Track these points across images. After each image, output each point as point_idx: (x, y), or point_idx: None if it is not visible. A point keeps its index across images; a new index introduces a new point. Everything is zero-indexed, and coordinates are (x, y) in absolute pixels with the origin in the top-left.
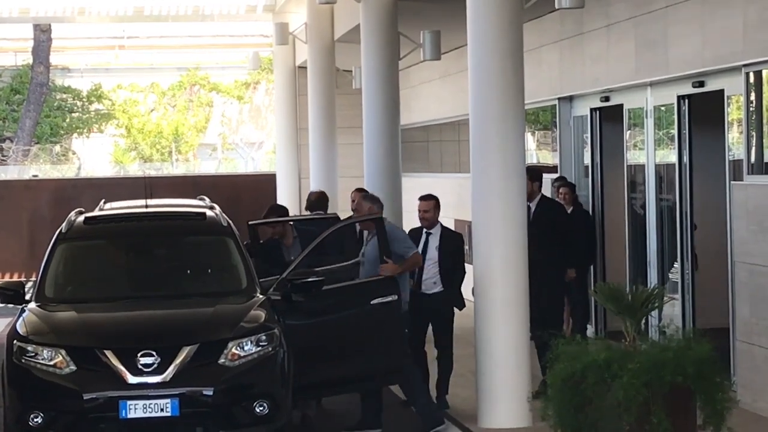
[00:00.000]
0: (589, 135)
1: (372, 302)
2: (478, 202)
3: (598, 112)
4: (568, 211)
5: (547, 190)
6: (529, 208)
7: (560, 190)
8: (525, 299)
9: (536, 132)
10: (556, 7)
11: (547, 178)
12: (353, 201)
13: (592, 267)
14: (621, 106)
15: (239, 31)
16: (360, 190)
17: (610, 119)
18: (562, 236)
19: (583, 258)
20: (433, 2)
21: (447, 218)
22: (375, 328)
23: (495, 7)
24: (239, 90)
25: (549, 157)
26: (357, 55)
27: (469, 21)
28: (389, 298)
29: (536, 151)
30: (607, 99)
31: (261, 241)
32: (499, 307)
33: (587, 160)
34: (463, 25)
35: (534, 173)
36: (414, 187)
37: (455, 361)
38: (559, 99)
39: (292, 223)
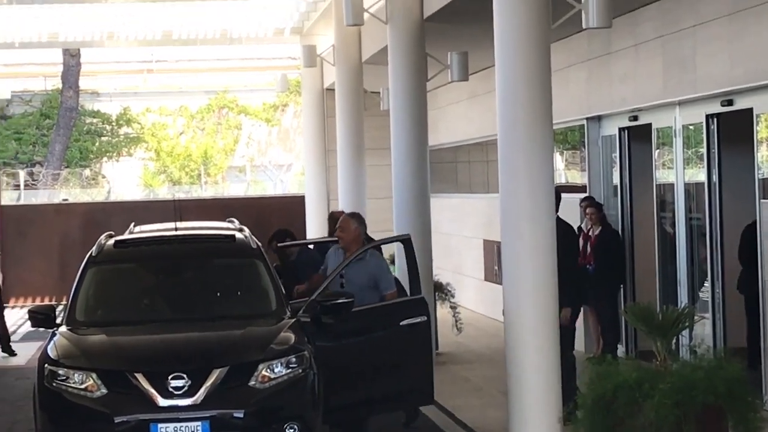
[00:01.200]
0: (617, 154)
1: (401, 323)
2: (507, 222)
3: (626, 131)
4: (596, 232)
5: (575, 210)
6: None
7: (587, 210)
8: (555, 320)
9: (565, 152)
10: (584, 26)
11: (576, 197)
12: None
13: (622, 287)
14: (649, 125)
15: (267, 54)
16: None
17: (638, 138)
18: (570, 259)
19: (600, 283)
20: (460, 23)
21: (476, 238)
22: (404, 349)
23: (522, 27)
24: (267, 112)
25: (578, 177)
26: (385, 77)
27: (497, 42)
28: (418, 319)
29: (565, 170)
30: (635, 118)
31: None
32: (529, 328)
33: (616, 180)
34: (491, 46)
35: None
36: (443, 207)
37: (485, 382)
38: (587, 119)
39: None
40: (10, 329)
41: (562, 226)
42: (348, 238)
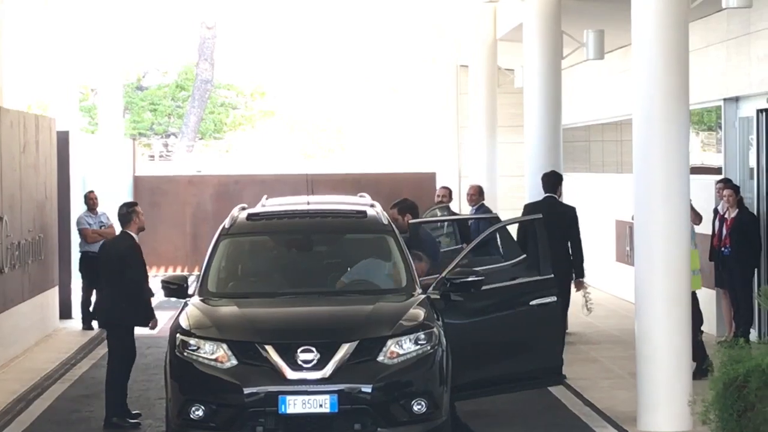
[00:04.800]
0: (755, 136)
1: (531, 303)
2: (641, 202)
3: (764, 113)
4: (733, 215)
5: (710, 192)
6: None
7: (724, 192)
8: (687, 301)
9: (700, 133)
10: (723, 6)
11: (710, 179)
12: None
13: (756, 270)
14: None
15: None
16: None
17: None
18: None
19: None
20: (597, 1)
21: (608, 219)
22: (534, 329)
23: (660, 6)
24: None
25: (713, 159)
26: (519, 54)
27: (634, 20)
28: (548, 299)
29: (700, 152)
30: None
31: None
32: (660, 309)
33: (752, 162)
34: (628, 25)
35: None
36: (575, 186)
37: (614, 363)
38: (724, 100)
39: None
40: None
41: (567, 209)
42: None
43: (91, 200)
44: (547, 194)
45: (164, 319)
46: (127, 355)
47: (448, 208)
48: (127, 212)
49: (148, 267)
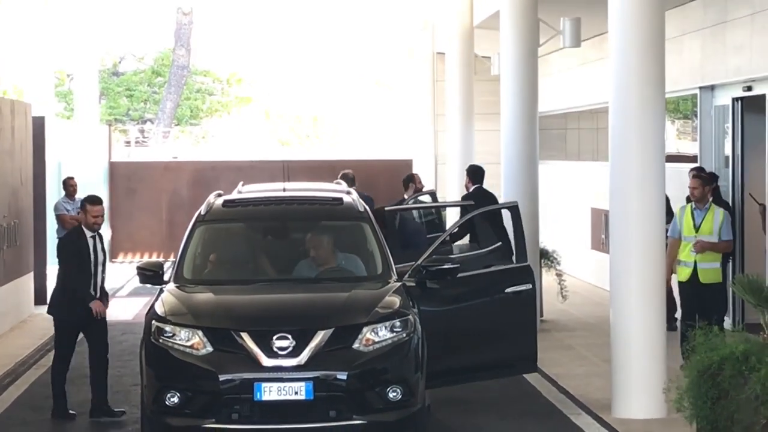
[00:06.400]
0: (730, 125)
1: (506, 290)
2: (616, 191)
3: (740, 101)
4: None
5: (684, 180)
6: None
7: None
8: (662, 290)
9: (676, 121)
10: None
11: (685, 167)
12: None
13: (731, 258)
14: (764, 96)
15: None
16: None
17: (752, 109)
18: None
19: None
20: None
21: (584, 207)
22: (509, 317)
23: None
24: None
25: (688, 147)
26: (496, 42)
27: (610, 8)
28: (524, 287)
29: (676, 140)
30: (749, 89)
31: None
32: (635, 298)
33: (727, 151)
34: (604, 12)
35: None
36: (551, 174)
37: (589, 350)
38: (700, 88)
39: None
40: (118, 284)
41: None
42: None
43: (71, 186)
44: (477, 185)
45: (140, 305)
46: (65, 348)
47: (433, 194)
48: (80, 207)
49: (123, 254)
